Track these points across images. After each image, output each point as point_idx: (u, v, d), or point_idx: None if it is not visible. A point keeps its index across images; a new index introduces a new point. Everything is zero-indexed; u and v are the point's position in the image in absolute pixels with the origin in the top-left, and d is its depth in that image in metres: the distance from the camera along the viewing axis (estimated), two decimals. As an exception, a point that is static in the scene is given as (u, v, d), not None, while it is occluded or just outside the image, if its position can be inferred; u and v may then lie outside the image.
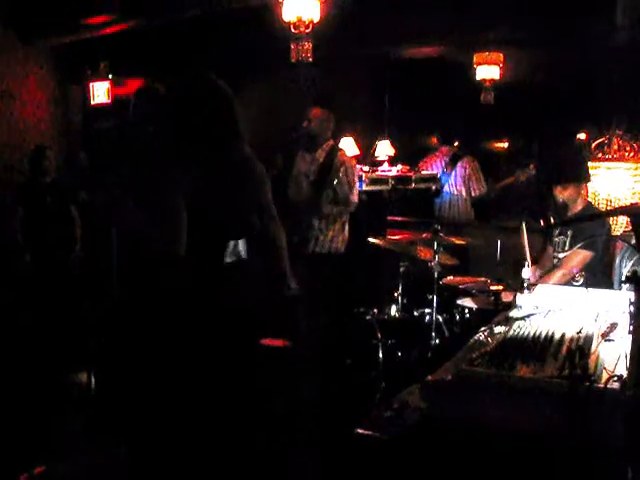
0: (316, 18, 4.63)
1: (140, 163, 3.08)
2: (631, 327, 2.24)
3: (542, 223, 3.23)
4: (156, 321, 2.87)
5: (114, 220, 2.86)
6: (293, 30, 4.59)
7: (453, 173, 6.79)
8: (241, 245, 2.86)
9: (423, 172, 6.86)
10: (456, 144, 7.17)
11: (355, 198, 5.14)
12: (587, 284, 3.13)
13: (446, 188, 6.83)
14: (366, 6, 6.12)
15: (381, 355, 4.21)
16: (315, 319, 4.88)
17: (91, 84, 7.45)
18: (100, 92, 7.44)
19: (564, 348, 2.34)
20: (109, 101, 7.40)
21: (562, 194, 4.11)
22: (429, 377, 2.24)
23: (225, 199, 2.77)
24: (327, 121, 5.21)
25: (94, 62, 7.40)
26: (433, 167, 6.93)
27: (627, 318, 2.38)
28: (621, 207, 2.98)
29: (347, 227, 5.22)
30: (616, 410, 1.93)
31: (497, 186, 7.21)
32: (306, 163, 5.25)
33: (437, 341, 4.22)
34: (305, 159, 5.27)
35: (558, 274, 4.03)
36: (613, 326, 2.60)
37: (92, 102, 7.49)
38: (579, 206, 4.11)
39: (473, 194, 6.80)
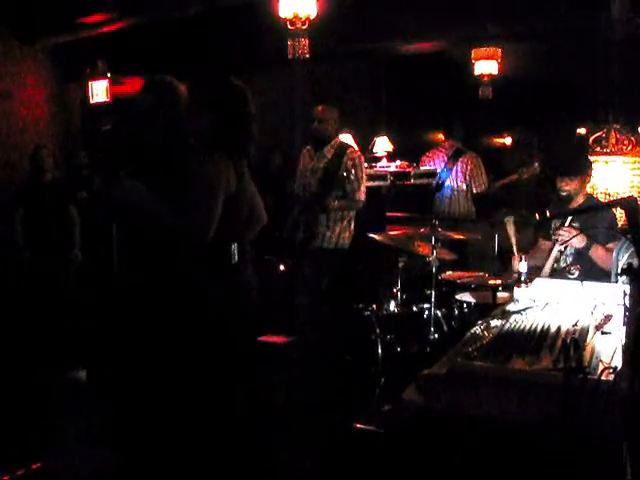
0: (313, 14, 4.64)
1: (160, 154, 3.07)
2: (626, 319, 2.25)
3: (537, 216, 3.22)
4: (156, 318, 2.89)
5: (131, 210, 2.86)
6: (290, 26, 4.60)
7: (454, 168, 6.70)
8: None
9: (422, 168, 6.80)
10: (459, 140, 7.05)
11: (362, 196, 5.08)
12: (584, 277, 3.14)
13: (448, 183, 6.73)
14: (363, 1, 6.12)
15: (380, 350, 4.21)
16: (317, 314, 4.89)
17: (90, 83, 7.46)
18: (99, 91, 7.45)
19: (559, 341, 2.34)
20: (108, 100, 7.41)
21: (569, 186, 4.10)
22: (425, 371, 2.25)
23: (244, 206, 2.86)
24: (335, 118, 5.17)
25: (93, 61, 7.41)
26: (435, 161, 6.82)
27: (622, 310, 2.38)
28: (615, 200, 2.98)
29: (353, 223, 5.20)
30: (611, 401, 1.93)
31: (498, 184, 7.08)
32: (312, 159, 5.21)
33: (436, 336, 4.21)
34: (312, 155, 5.24)
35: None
36: (608, 318, 2.60)
37: (91, 101, 7.51)
38: (580, 199, 4.12)
39: (475, 191, 6.70)
